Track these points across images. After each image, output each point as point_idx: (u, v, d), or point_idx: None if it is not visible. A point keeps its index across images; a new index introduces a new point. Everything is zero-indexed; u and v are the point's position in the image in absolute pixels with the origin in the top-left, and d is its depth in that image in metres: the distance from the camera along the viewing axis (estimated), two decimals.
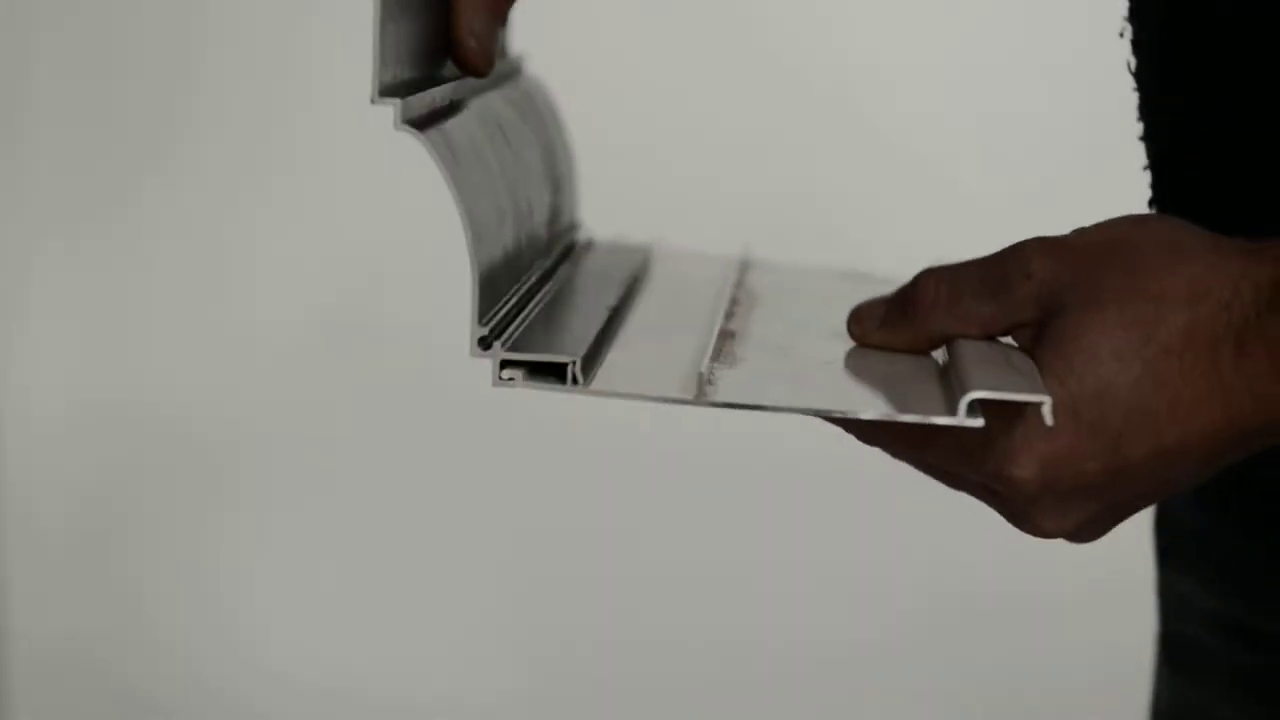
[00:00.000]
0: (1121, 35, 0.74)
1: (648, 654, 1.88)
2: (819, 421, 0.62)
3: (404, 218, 1.74)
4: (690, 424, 1.74)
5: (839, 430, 0.63)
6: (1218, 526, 0.74)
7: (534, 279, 0.69)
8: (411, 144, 0.62)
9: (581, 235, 0.80)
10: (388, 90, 0.61)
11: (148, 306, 1.86)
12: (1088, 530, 0.63)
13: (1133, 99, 0.74)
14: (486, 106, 0.70)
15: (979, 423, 0.58)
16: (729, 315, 0.70)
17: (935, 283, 0.64)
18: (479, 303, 0.61)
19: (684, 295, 0.74)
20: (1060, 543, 0.64)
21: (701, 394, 0.60)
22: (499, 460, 1.86)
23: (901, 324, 0.65)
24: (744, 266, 0.79)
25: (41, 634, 1.89)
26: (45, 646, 1.89)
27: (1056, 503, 0.61)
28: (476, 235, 0.62)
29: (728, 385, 0.61)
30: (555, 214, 0.76)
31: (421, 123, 0.63)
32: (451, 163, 0.62)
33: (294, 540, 1.88)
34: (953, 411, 0.58)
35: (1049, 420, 0.58)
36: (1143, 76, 0.73)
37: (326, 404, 1.87)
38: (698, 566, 1.86)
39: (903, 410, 0.59)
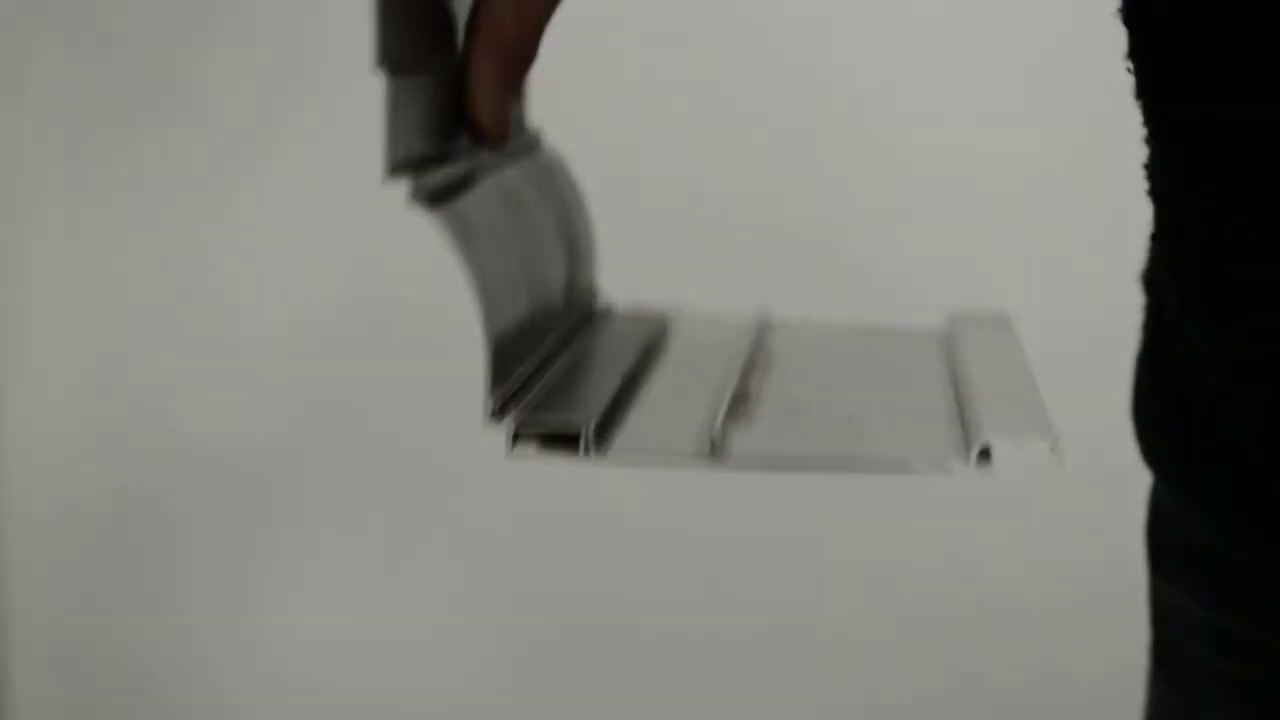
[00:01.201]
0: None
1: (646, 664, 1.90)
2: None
3: (418, 235, 1.76)
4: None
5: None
6: (1204, 534, 0.73)
7: (550, 346, 0.70)
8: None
9: (600, 302, 0.81)
10: (399, 167, 0.63)
11: (150, 319, 1.89)
12: None
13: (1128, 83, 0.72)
14: (501, 179, 0.72)
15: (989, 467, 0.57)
16: (745, 376, 0.71)
17: None
18: (491, 375, 0.62)
19: (702, 360, 0.75)
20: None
21: (714, 456, 0.61)
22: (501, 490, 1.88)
23: None
24: (762, 328, 0.80)
25: (41, 625, 1.93)
26: (45, 638, 1.93)
27: None
28: (489, 311, 0.63)
29: (742, 446, 0.62)
30: (572, 281, 0.77)
31: (436, 197, 0.64)
32: (462, 238, 0.63)
33: (300, 546, 1.92)
34: (965, 458, 0.58)
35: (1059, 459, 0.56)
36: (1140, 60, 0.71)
37: (332, 418, 1.89)
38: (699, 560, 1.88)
39: (913, 461, 0.59)
